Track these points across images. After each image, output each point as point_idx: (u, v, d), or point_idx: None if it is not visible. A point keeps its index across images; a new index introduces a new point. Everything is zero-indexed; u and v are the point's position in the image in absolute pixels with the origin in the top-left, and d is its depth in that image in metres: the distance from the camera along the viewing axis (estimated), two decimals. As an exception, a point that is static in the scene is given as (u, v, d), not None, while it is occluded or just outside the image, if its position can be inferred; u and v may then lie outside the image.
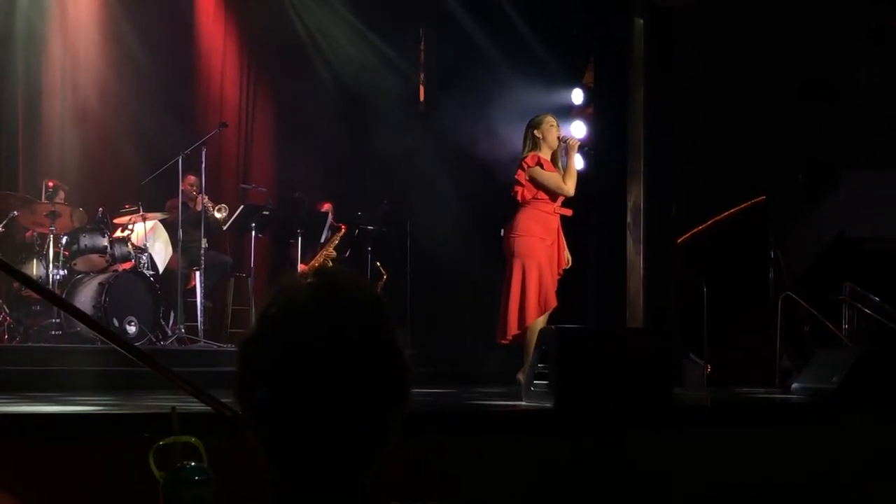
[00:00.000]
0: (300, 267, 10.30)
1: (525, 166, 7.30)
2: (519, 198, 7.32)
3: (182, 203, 9.79)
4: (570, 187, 7.29)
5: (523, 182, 7.30)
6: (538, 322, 7.09)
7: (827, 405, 6.33)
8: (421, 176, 10.25)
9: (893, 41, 10.49)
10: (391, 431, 1.51)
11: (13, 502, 2.82)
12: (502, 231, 7.73)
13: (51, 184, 9.32)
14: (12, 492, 2.85)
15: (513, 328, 7.18)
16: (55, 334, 8.53)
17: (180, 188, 9.61)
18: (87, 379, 6.96)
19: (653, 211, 8.78)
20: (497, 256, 7.89)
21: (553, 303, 7.20)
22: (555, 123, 7.45)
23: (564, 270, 7.41)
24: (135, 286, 8.93)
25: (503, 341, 7.34)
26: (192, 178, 10.00)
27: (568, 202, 7.42)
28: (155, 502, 2.39)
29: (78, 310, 5.15)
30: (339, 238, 10.64)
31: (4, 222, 8.91)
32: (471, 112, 9.78)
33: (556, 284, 7.30)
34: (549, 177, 7.27)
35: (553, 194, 7.30)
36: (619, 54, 9.18)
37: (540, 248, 7.24)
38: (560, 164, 7.38)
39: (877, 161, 10.23)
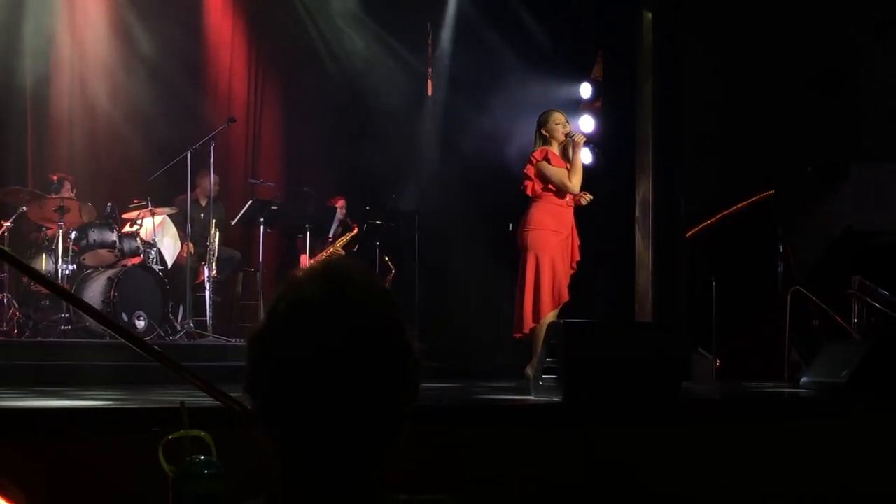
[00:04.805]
0: (305, 260, 10.31)
1: (533, 160, 7.33)
2: (528, 192, 7.34)
3: (194, 200, 9.85)
4: (574, 184, 7.28)
5: (532, 176, 7.32)
6: (549, 317, 7.10)
7: (836, 399, 6.32)
8: (429, 170, 10.25)
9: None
10: (400, 426, 1.51)
11: (22, 497, 2.82)
12: (511, 226, 7.72)
13: (55, 177, 9.35)
14: (21, 486, 2.85)
15: (528, 322, 7.17)
16: (64, 329, 8.55)
17: (188, 182, 9.61)
18: (96, 373, 6.98)
19: (661, 205, 8.78)
20: (505, 251, 7.89)
21: (565, 297, 7.21)
22: (561, 120, 7.45)
23: (577, 264, 7.41)
24: (144, 281, 8.94)
25: (518, 335, 7.34)
26: (216, 178, 10.09)
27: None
28: (164, 496, 2.39)
29: (87, 304, 5.16)
30: (348, 238, 10.64)
31: (13, 217, 8.93)
32: (479, 106, 9.78)
33: (568, 278, 7.30)
34: (555, 172, 7.27)
35: (560, 189, 7.30)
36: (627, 48, 9.17)
37: (553, 242, 7.24)
38: (568, 160, 7.39)
39: (885, 154, 10.21)
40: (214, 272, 9.86)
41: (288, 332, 1.47)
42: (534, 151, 7.38)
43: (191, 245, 9.81)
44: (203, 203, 10.14)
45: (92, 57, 10.38)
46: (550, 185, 7.28)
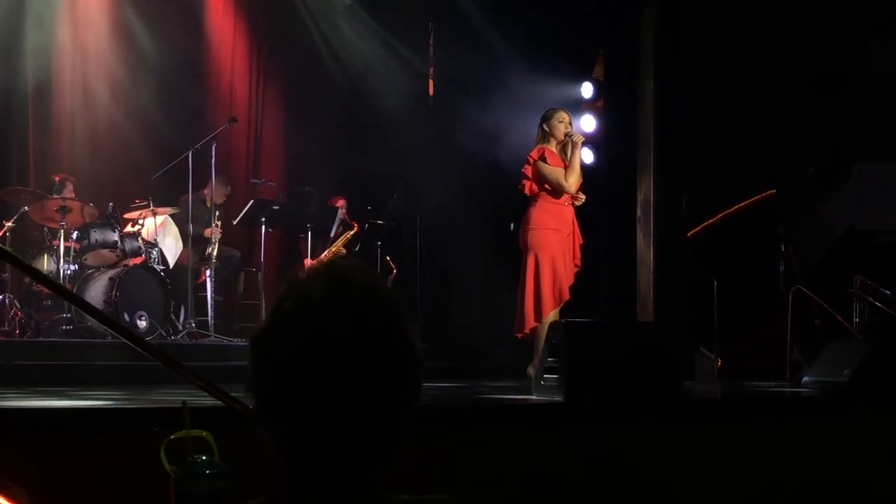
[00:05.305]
0: (308, 262, 10.32)
1: (530, 160, 7.33)
2: (526, 191, 7.34)
3: (201, 200, 9.86)
4: (570, 183, 7.26)
5: (529, 176, 7.32)
6: (550, 316, 7.10)
7: (837, 398, 6.32)
8: (430, 170, 10.26)
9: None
10: (402, 426, 1.51)
11: (24, 496, 2.83)
12: (512, 226, 7.72)
13: (57, 178, 9.36)
14: (23, 486, 2.86)
15: (529, 321, 7.18)
16: (66, 329, 8.56)
17: (190, 182, 9.60)
18: (98, 373, 6.99)
19: (663, 204, 8.77)
20: (506, 250, 7.87)
21: (566, 296, 7.20)
22: (565, 119, 7.44)
23: (580, 261, 7.40)
24: (145, 281, 8.94)
25: (520, 335, 7.34)
26: (227, 189, 10.22)
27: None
28: (166, 496, 2.39)
29: (88, 304, 5.16)
30: (349, 236, 10.65)
31: (15, 217, 8.94)
32: (480, 106, 9.78)
33: (571, 277, 7.28)
34: (552, 171, 7.26)
35: (556, 189, 7.29)
36: (629, 47, 9.16)
37: (553, 241, 7.23)
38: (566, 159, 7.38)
39: (887, 153, 10.20)
40: (215, 260, 9.87)
41: (291, 331, 1.48)
42: (531, 151, 7.39)
43: (211, 230, 9.84)
44: (208, 204, 10.12)
45: (93, 57, 10.38)
46: (547, 185, 7.28)
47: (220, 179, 10.25)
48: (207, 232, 9.87)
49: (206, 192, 10.13)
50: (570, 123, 7.50)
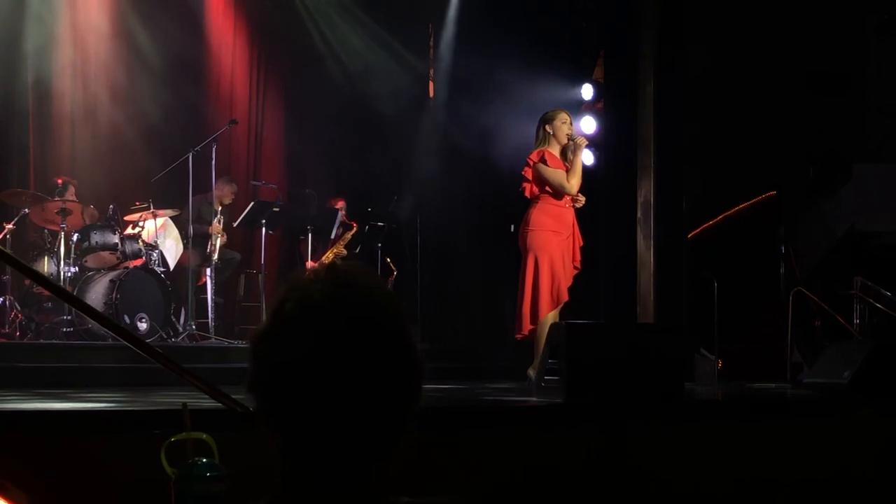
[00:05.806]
0: (309, 264, 10.32)
1: (530, 162, 7.30)
2: (527, 194, 7.32)
3: (209, 202, 9.86)
4: (572, 186, 7.24)
5: (529, 178, 7.30)
6: (548, 318, 7.08)
7: (838, 399, 6.32)
8: (431, 171, 10.26)
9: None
10: (403, 427, 1.51)
11: (24, 498, 2.83)
12: (512, 227, 7.71)
13: (59, 180, 9.35)
14: (23, 488, 2.86)
15: (527, 323, 7.17)
16: (66, 331, 8.56)
17: (190, 183, 9.59)
18: (99, 376, 6.99)
19: (663, 206, 8.77)
20: (507, 252, 7.87)
21: (565, 297, 7.19)
22: (567, 120, 7.42)
23: (580, 263, 7.38)
24: (146, 283, 8.94)
25: (519, 336, 7.33)
26: (233, 187, 10.26)
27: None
28: (167, 498, 2.39)
29: (89, 307, 5.17)
30: (350, 236, 10.66)
31: (16, 220, 8.94)
32: (480, 107, 9.78)
33: (570, 279, 7.27)
34: (552, 173, 7.24)
35: (557, 191, 7.27)
36: (629, 48, 9.16)
37: (553, 242, 7.22)
38: (568, 161, 7.37)
39: (888, 154, 10.20)
40: (216, 259, 9.88)
41: (291, 332, 1.48)
42: (530, 153, 7.37)
43: (217, 226, 9.84)
44: (216, 206, 10.09)
45: (93, 58, 10.39)
46: (547, 187, 7.26)
47: (226, 179, 10.26)
48: (210, 228, 9.86)
49: (213, 194, 10.11)
50: (571, 125, 7.49)
